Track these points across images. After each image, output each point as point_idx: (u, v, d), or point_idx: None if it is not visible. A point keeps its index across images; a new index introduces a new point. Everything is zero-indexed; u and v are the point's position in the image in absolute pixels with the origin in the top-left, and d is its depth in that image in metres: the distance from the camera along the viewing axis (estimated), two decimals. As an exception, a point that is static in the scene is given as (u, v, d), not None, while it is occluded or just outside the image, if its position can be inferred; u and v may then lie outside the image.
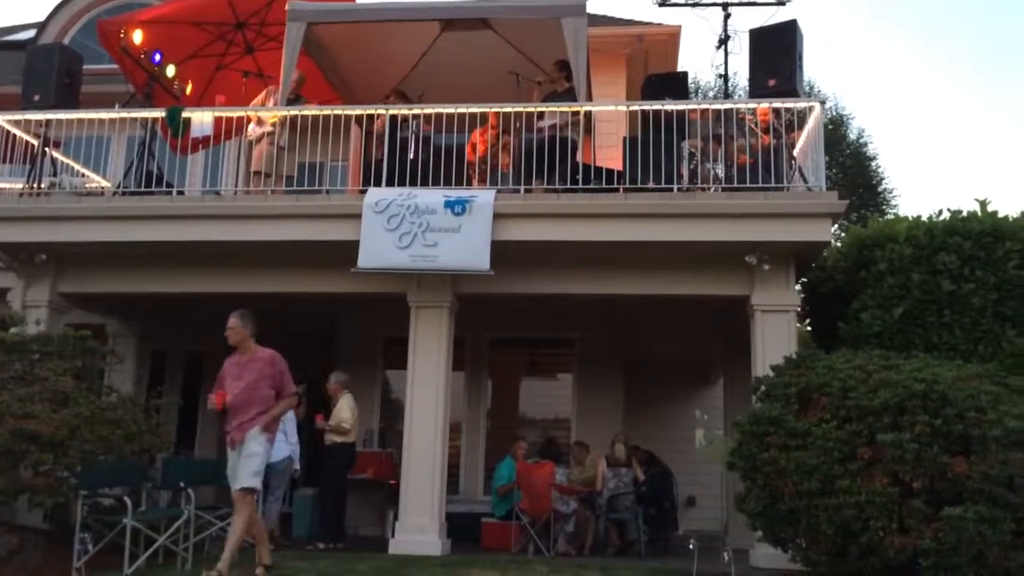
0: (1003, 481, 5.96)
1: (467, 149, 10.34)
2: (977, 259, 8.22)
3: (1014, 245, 8.20)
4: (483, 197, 8.88)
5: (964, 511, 5.88)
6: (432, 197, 8.88)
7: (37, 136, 9.94)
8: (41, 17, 15.88)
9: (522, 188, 9.39)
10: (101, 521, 7.45)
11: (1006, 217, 8.53)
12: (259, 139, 10.25)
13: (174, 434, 10.40)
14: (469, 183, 9.92)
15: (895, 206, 24.71)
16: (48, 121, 9.90)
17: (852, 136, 25.33)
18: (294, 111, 9.86)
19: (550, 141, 9.29)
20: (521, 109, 9.62)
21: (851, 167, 24.46)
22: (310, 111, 9.78)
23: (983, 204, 8.67)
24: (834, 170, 23.32)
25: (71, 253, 9.74)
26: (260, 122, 10.19)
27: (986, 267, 8.19)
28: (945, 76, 58.24)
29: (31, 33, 15.91)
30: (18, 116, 9.95)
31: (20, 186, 9.97)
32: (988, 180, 49.70)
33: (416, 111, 9.80)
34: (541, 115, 9.61)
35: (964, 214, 8.61)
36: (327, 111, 9.68)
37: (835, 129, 24.05)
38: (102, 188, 10.78)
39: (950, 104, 56.73)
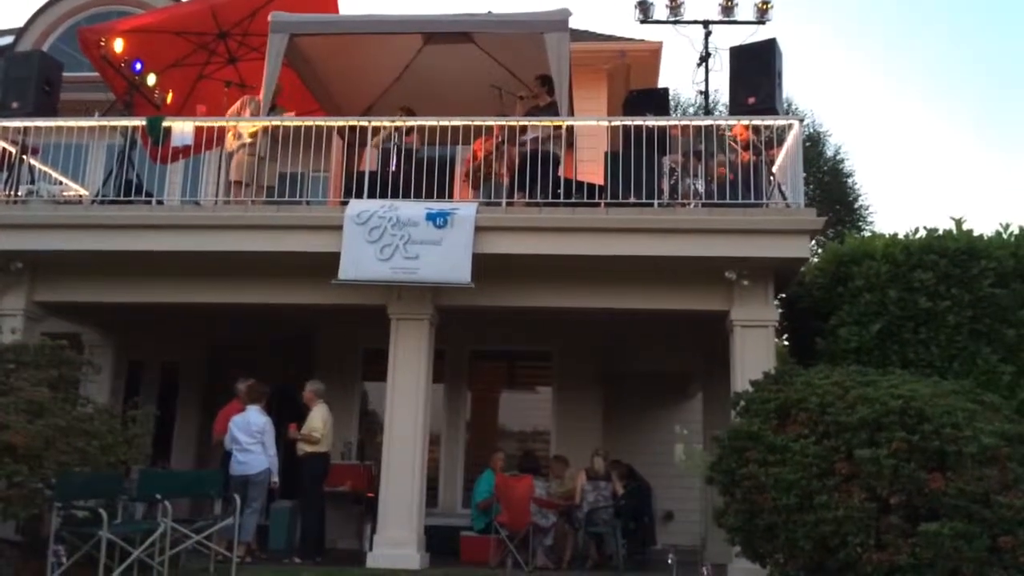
0: (979, 497, 6.02)
1: (468, 158, 10.38)
2: (953, 277, 8.34)
3: (989, 263, 8.32)
4: (465, 210, 8.89)
5: (940, 527, 5.92)
6: (414, 209, 8.88)
7: (15, 143, 9.84)
8: (19, 23, 15.78)
9: (504, 201, 9.41)
10: (76, 533, 7.35)
11: (981, 236, 8.66)
12: (237, 149, 10.21)
13: (150, 445, 10.28)
14: (451, 196, 9.93)
15: (871, 223, 24.98)
16: (26, 128, 9.81)
17: (829, 153, 25.58)
18: (276, 122, 9.83)
19: (532, 155, 9.33)
20: (504, 123, 9.67)
21: (828, 184, 24.68)
22: (291, 122, 9.76)
23: (959, 223, 8.80)
24: (811, 186, 23.51)
25: (48, 261, 9.64)
26: (238, 134, 10.16)
27: (961, 285, 8.30)
28: (919, 94, 59.04)
29: (9, 39, 15.76)
30: (-4, 123, 9.84)
31: (-4, 193, 9.85)
32: (962, 197, 50.35)
33: (399, 123, 9.80)
34: (524, 129, 9.65)
35: (940, 232, 8.73)
36: (308, 122, 9.67)
37: (812, 146, 24.27)
38: (80, 197, 10.68)
39: (924, 122, 57.51)
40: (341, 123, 10.37)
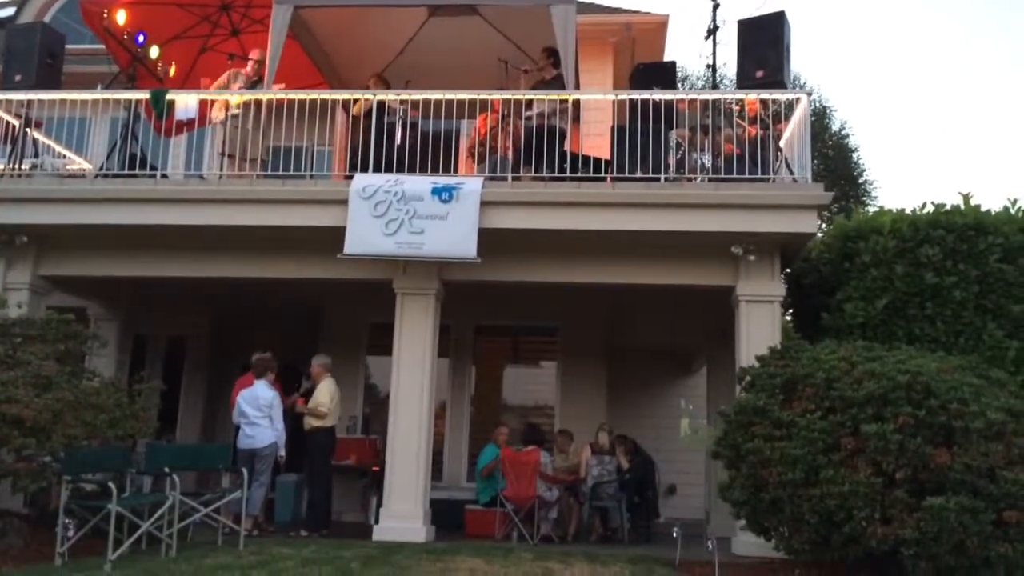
0: (984, 472, 6.06)
1: (472, 133, 10.33)
2: (960, 252, 8.32)
3: (996, 239, 8.29)
4: (471, 184, 8.85)
5: (946, 501, 5.96)
6: (419, 184, 8.85)
7: (18, 117, 9.80)
8: (20, -5, 15.64)
9: (510, 176, 9.37)
10: (84, 506, 7.41)
11: (989, 211, 8.63)
12: (223, 121, 10.17)
13: (156, 419, 10.33)
14: (456, 170, 9.89)
15: (876, 197, 24.95)
16: (29, 101, 9.77)
17: (835, 128, 25.49)
18: (280, 95, 9.76)
19: (538, 130, 9.28)
20: (510, 96, 9.62)
21: (833, 158, 24.61)
22: (295, 95, 9.69)
23: (966, 198, 8.76)
24: (816, 161, 23.45)
25: (53, 235, 9.64)
26: (226, 106, 10.11)
27: (968, 260, 8.29)
28: (926, 67, 58.62)
29: (11, 11, 15.65)
30: (-1, 96, 9.80)
31: (0, 167, 9.82)
32: (969, 172, 50.15)
33: (403, 96, 9.75)
34: (529, 104, 9.58)
35: (947, 208, 8.70)
36: (312, 95, 9.61)
37: (818, 120, 24.17)
38: (84, 170, 10.65)
39: (931, 96, 57.12)
40: (344, 96, 10.31)
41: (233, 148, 9.93)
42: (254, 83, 10.26)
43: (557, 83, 9.70)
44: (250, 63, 10.55)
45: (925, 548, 6.01)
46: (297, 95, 9.67)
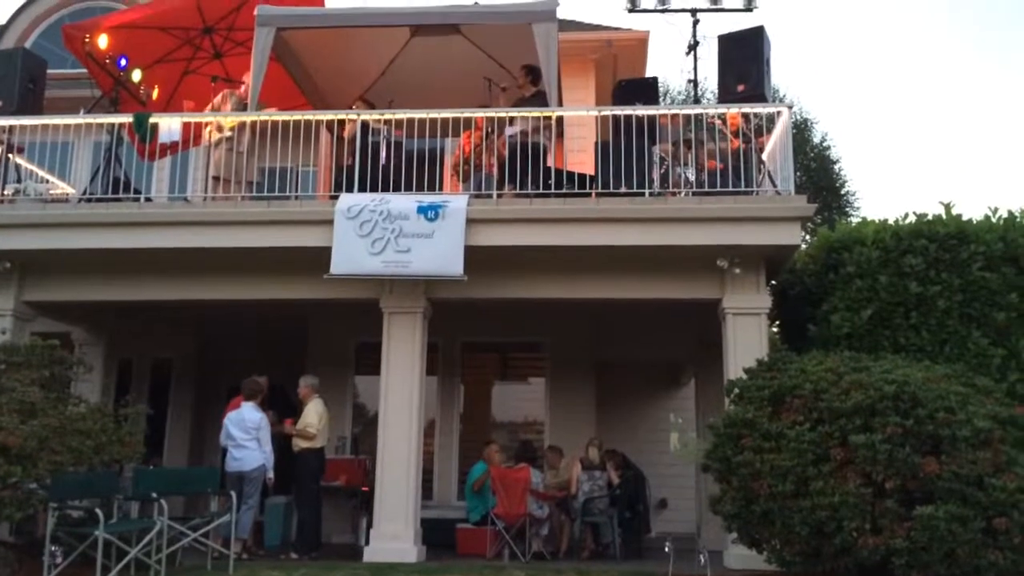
0: (973, 480, 6.08)
1: (456, 151, 10.35)
2: (943, 261, 8.37)
3: (978, 248, 8.35)
4: (456, 202, 8.87)
5: (935, 510, 5.98)
6: (405, 202, 8.86)
7: (0, 143, 9.75)
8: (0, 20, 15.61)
9: (495, 193, 9.40)
10: (71, 533, 7.33)
11: (970, 220, 8.69)
12: (217, 144, 10.16)
13: (143, 444, 10.25)
14: (442, 188, 9.91)
15: (858, 208, 25.10)
16: (11, 127, 9.73)
17: (816, 139, 25.66)
18: (263, 116, 9.78)
19: (521, 147, 9.30)
20: (493, 114, 9.65)
21: (815, 170, 24.76)
22: (279, 116, 9.70)
23: (948, 207, 8.83)
24: (798, 173, 23.58)
25: (37, 261, 9.57)
26: (219, 128, 10.11)
27: (951, 269, 8.34)
28: (904, 78, 59.21)
29: (-9, 37, 15.59)
30: (-20, 122, 9.75)
31: (-17, 193, 9.77)
32: (949, 181, 50.61)
33: (388, 116, 9.77)
34: (512, 121, 9.62)
35: (929, 217, 8.76)
36: (296, 116, 9.62)
37: (799, 133, 24.33)
38: (67, 195, 10.60)
39: (910, 106, 57.68)
40: (329, 117, 10.34)
41: (228, 171, 9.90)
42: (246, 105, 10.24)
43: (537, 100, 9.76)
44: (244, 86, 10.52)
45: (916, 557, 6.03)
46: (282, 116, 9.67)
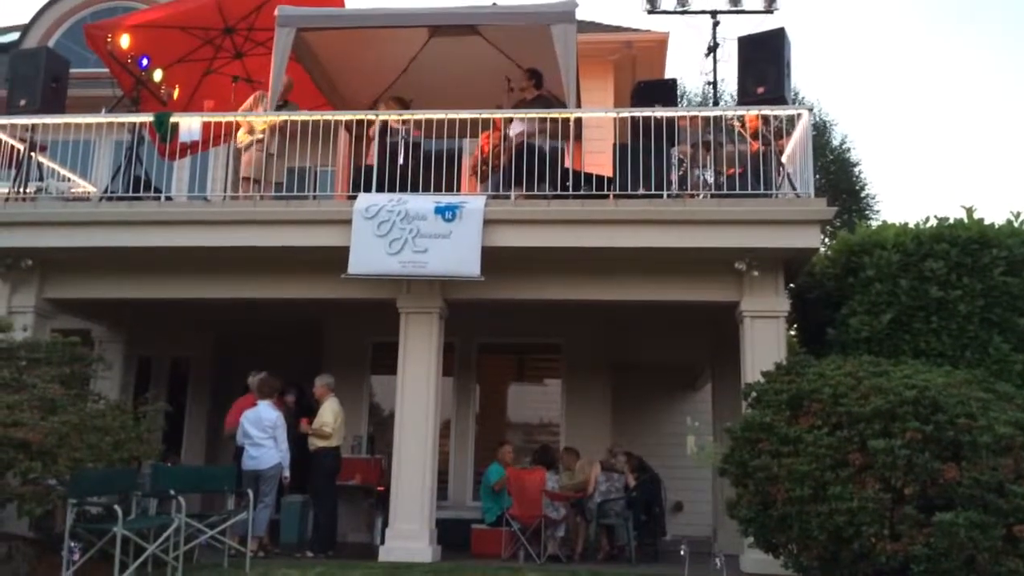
0: (993, 487, 6.01)
1: (475, 151, 10.37)
2: (964, 266, 8.31)
3: (1000, 252, 8.28)
4: (473, 203, 8.87)
5: (955, 517, 5.91)
6: (422, 203, 8.87)
7: (23, 141, 9.85)
8: (24, 20, 15.76)
9: (512, 194, 9.40)
10: (90, 529, 7.39)
11: (992, 224, 8.62)
12: (248, 146, 10.21)
13: (161, 441, 10.32)
14: (459, 189, 9.92)
15: (878, 211, 25.00)
16: (34, 125, 9.83)
17: (835, 142, 25.55)
18: (283, 116, 9.81)
19: (528, 149, 9.31)
20: (512, 115, 9.65)
21: (834, 173, 24.65)
22: (299, 116, 9.75)
23: (969, 211, 8.76)
24: (817, 176, 23.47)
25: (57, 258, 9.66)
26: (251, 130, 10.15)
27: (973, 274, 8.27)
28: (924, 81, 58.79)
29: (15, 36, 15.77)
30: (3, 120, 9.87)
31: (5, 191, 9.87)
32: (971, 185, 50.19)
33: (406, 116, 9.79)
34: (510, 123, 9.64)
35: (951, 221, 8.69)
36: (316, 116, 9.65)
37: (818, 135, 24.24)
38: (88, 193, 10.69)
39: (931, 109, 57.26)
40: (348, 117, 10.38)
41: (258, 172, 9.96)
42: (280, 106, 10.27)
43: (538, 103, 9.77)
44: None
45: (935, 564, 5.96)
46: (302, 116, 9.72)
